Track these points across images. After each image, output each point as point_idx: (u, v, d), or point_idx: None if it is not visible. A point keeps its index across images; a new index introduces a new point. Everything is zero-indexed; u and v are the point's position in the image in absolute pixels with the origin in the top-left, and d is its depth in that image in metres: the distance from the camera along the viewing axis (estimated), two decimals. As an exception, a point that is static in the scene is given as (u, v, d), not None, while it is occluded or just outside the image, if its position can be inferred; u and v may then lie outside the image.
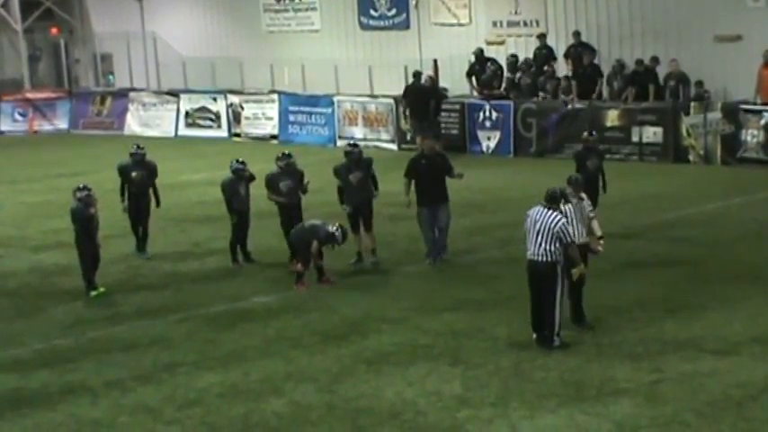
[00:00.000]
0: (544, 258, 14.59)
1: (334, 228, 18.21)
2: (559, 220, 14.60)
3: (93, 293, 18.43)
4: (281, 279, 18.90)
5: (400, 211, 20.42)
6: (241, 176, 19.83)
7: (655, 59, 29.52)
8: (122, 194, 20.99)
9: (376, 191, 19.73)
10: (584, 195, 15.73)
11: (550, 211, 14.67)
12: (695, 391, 12.90)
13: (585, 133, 21.96)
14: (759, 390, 12.83)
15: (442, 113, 32.34)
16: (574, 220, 15.17)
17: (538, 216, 14.72)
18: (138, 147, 21.40)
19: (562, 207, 14.92)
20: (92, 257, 18.53)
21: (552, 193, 14.82)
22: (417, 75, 32.36)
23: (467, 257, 19.33)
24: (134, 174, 20.89)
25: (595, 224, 15.77)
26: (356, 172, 19.48)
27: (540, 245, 14.59)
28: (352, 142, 21.37)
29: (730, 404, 12.46)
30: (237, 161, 20.10)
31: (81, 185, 18.76)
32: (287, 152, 19.93)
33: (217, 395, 13.60)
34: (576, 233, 15.09)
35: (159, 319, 17.00)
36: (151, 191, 21.10)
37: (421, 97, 32.06)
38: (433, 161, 19.32)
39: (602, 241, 15.79)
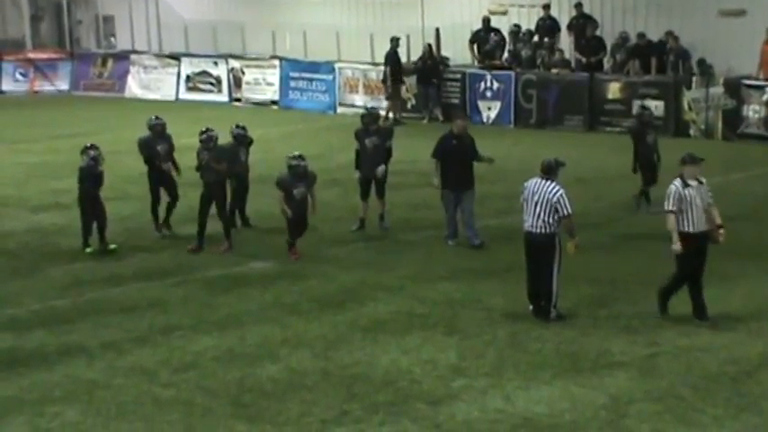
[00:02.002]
0: (542, 230, 14.57)
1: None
2: (558, 191, 14.55)
3: (89, 250, 18.56)
4: (279, 245, 18.88)
5: (398, 179, 20.41)
6: (242, 141, 19.82)
7: (669, 34, 29.35)
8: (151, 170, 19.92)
9: (383, 164, 19.38)
10: (703, 179, 14.53)
11: (548, 182, 14.64)
12: (691, 365, 12.93)
13: (639, 107, 21.75)
14: (754, 365, 12.86)
15: (444, 82, 32.37)
16: (693, 206, 14.23)
17: (536, 188, 14.69)
18: (157, 117, 20.29)
19: (681, 190, 14.19)
20: (97, 216, 18.67)
21: (549, 163, 14.76)
22: (395, 41, 32.49)
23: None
24: (159, 147, 19.73)
25: (715, 211, 14.47)
26: (372, 137, 19.37)
27: (539, 216, 14.56)
28: (369, 106, 21.40)
29: (725, 379, 12.49)
30: (238, 126, 20.02)
31: (89, 144, 18.95)
32: (209, 127, 19.08)
33: (212, 359, 13.61)
34: (694, 221, 14.25)
35: (156, 282, 17.01)
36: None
37: (398, 64, 32.20)
38: (464, 142, 18.42)
39: (722, 230, 14.52)
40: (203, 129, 18.98)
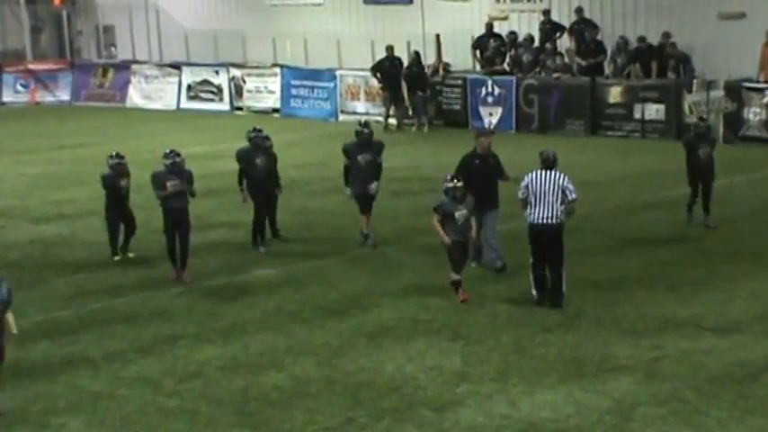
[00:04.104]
0: (557, 220, 15.13)
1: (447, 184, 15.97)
2: (566, 176, 15.23)
3: (117, 258, 18.73)
4: (283, 253, 18.90)
5: (402, 186, 20.42)
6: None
7: (666, 35, 29.41)
8: (241, 183, 19.07)
9: (376, 180, 18.86)
10: None
11: (552, 172, 15.22)
12: (695, 368, 12.91)
13: (695, 119, 21.08)
14: (759, 368, 12.84)
15: (445, 89, 32.41)
16: None
17: (542, 179, 15.18)
18: (257, 129, 19.35)
19: None
20: (125, 224, 18.83)
21: (553, 156, 15.41)
22: (389, 49, 32.50)
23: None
24: (258, 160, 18.88)
25: None
26: (365, 153, 18.85)
27: (553, 205, 15.09)
28: (363, 121, 20.46)
29: (730, 382, 12.47)
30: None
31: (114, 153, 18.96)
32: (175, 150, 17.70)
33: (217, 368, 13.61)
34: None
35: (160, 292, 17.00)
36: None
37: (393, 71, 32.37)
38: (487, 161, 17.35)
39: None
40: (167, 151, 17.67)
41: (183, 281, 17.39)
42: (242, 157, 19.13)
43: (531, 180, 15.25)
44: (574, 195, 15.19)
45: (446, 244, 15.74)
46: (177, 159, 17.44)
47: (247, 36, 38.31)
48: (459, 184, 15.84)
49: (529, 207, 15.27)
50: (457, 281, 15.87)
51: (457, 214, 15.73)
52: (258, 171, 18.91)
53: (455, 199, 15.80)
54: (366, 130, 19.05)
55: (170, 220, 17.46)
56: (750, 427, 11.38)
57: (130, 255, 18.90)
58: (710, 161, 19.48)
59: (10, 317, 12.22)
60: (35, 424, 12.13)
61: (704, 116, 22.22)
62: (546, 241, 15.21)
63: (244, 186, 19.08)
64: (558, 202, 15.10)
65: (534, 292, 15.42)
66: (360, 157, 18.82)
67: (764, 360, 13.08)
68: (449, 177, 16.01)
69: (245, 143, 19.34)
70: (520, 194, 15.45)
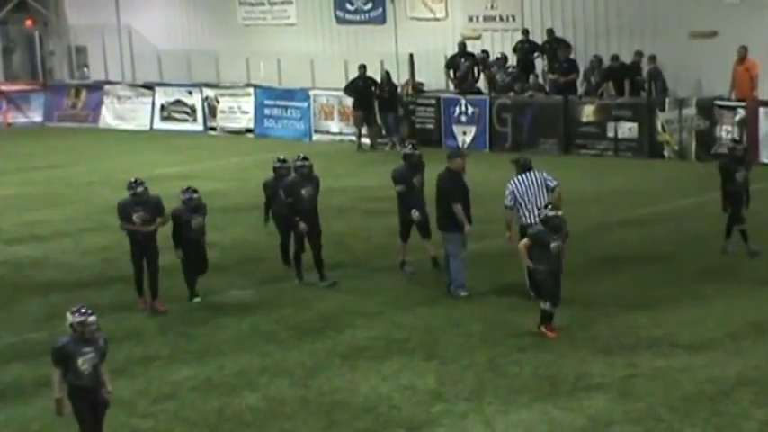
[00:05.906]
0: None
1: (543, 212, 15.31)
2: (542, 172, 16.30)
3: (196, 299, 17.44)
4: (256, 273, 18.87)
5: (375, 205, 20.40)
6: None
7: (639, 54, 29.60)
8: (294, 216, 18.04)
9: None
10: None
11: (533, 172, 16.17)
12: (668, 386, 12.95)
13: (731, 142, 20.28)
14: (732, 385, 12.89)
15: (418, 108, 32.46)
16: None
17: (527, 182, 16.05)
18: (304, 158, 18.29)
19: None
20: (196, 263, 17.39)
21: (527, 159, 16.53)
22: (362, 68, 32.51)
23: (442, 252, 19.30)
24: (303, 191, 17.97)
25: None
26: (419, 176, 18.39)
27: (542, 203, 15.69)
28: (410, 144, 19.78)
29: (703, 399, 12.51)
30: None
31: (187, 187, 17.54)
32: (138, 179, 17.14)
33: (191, 389, 13.58)
34: None
35: (133, 313, 16.94)
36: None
37: (366, 90, 32.41)
38: (465, 181, 17.14)
39: None
40: (132, 180, 17.14)
41: (157, 309, 17.06)
42: (289, 191, 18.14)
43: (516, 186, 16.05)
44: (555, 182, 16.11)
45: (531, 269, 15.38)
46: (139, 190, 16.85)
47: (221, 56, 38.29)
48: (560, 213, 15.17)
49: (519, 210, 15.99)
50: (549, 313, 15.05)
51: (553, 245, 15.05)
52: (304, 203, 17.98)
53: (553, 228, 15.10)
54: (417, 152, 18.66)
55: (136, 250, 17.00)
56: (724, 444, 11.43)
57: (197, 299, 17.52)
58: (746, 185, 18.65)
59: (105, 370, 12.01)
60: (8, 447, 12.08)
61: (738, 138, 21.87)
62: None
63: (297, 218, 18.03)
64: (545, 198, 15.86)
65: (529, 288, 16.07)
66: (415, 180, 18.35)
67: (737, 377, 13.13)
68: (548, 205, 15.39)
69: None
70: (506, 202, 16.11)
